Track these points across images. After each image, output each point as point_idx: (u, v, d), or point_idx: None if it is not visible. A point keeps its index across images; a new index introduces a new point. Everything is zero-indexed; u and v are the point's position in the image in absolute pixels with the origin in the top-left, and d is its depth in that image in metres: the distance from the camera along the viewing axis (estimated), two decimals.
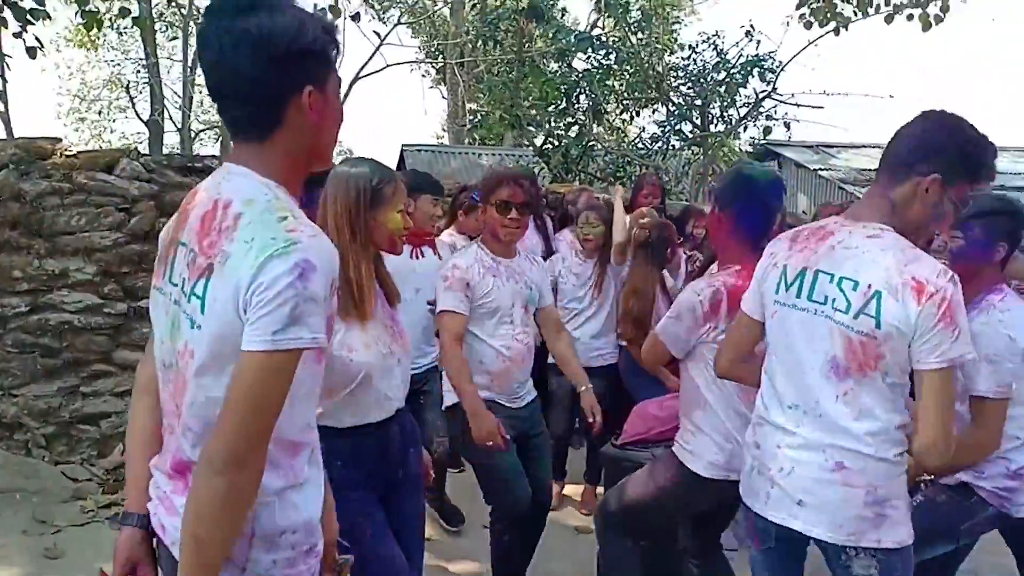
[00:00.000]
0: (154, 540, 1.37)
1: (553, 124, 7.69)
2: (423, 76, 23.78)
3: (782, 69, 7.53)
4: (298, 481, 1.31)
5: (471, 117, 17.83)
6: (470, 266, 2.90)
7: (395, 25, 18.01)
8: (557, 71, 7.69)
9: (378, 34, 12.36)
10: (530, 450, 3.05)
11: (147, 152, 8.59)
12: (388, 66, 16.24)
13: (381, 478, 2.18)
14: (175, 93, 18.95)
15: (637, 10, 7.71)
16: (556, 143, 7.66)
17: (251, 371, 1.16)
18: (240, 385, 1.17)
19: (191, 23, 14.90)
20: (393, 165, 15.94)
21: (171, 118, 17.07)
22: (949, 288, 1.66)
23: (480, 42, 7.90)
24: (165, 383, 1.33)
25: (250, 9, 1.20)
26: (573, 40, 7.31)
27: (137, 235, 4.58)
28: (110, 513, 4.01)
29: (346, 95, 16.37)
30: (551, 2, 7.20)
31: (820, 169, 11.12)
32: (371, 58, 15.92)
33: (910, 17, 8.51)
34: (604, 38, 7.43)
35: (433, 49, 20.85)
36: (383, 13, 21.44)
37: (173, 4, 13.12)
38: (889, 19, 8.57)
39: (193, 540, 1.19)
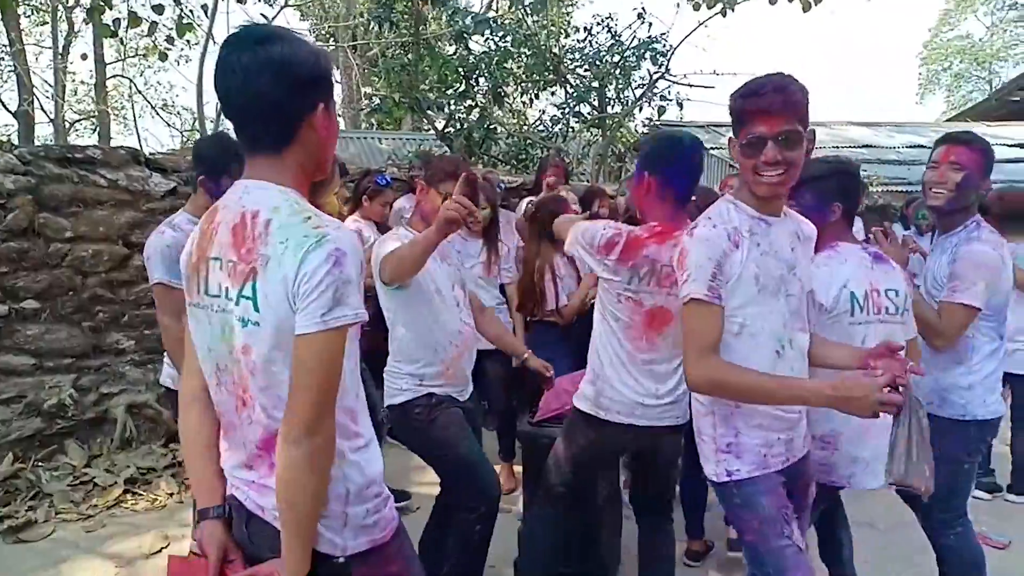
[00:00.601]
0: (244, 526, 1.54)
1: (454, 107, 7.62)
2: None
3: (674, 51, 7.72)
4: (365, 441, 1.54)
5: (367, 101, 17.47)
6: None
7: (282, 7, 17.38)
8: (454, 54, 7.62)
9: (265, 17, 11.92)
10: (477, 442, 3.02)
11: (18, 144, 8.05)
12: None
13: None
14: (45, 82, 17.79)
15: None
16: (459, 126, 7.60)
17: (308, 351, 1.36)
18: (301, 365, 1.37)
19: (60, 6, 13.99)
20: None
21: (42, 108, 16.03)
22: (683, 238, 2.03)
23: (374, 25, 7.72)
24: (221, 385, 1.51)
25: (270, 40, 1.39)
26: (470, 23, 7.26)
27: (15, 231, 4.29)
28: (3, 527, 3.78)
29: None
30: None
31: (712, 148, 11.50)
32: None
33: None
34: (501, 20, 7.41)
35: (323, 32, 20.31)
36: None
37: None
38: (773, 0, 8.91)
39: (288, 506, 1.39)
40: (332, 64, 1.53)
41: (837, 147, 12.40)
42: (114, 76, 20.10)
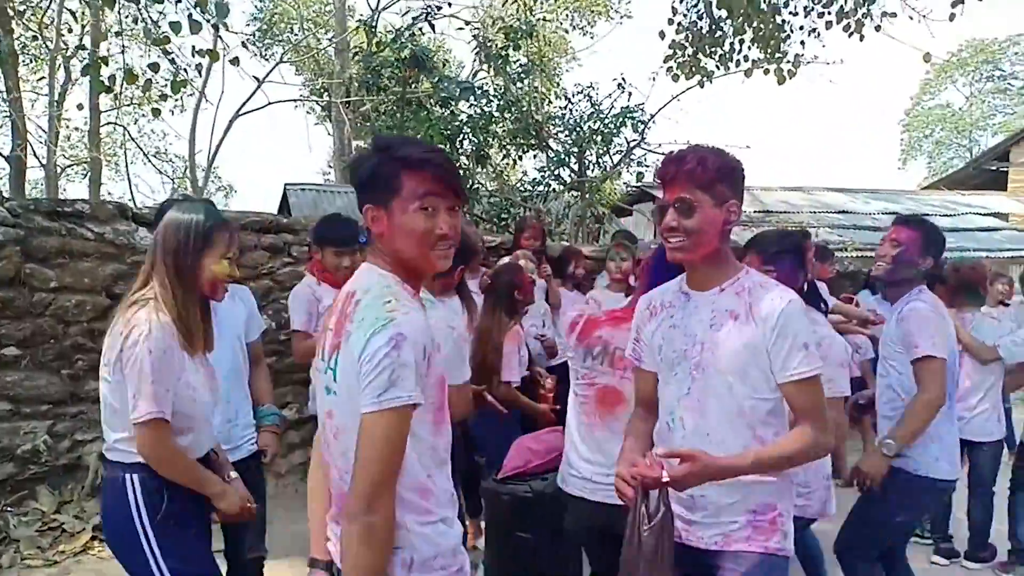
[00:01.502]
0: None
1: None
2: (307, 113, 23.61)
3: (652, 119, 8.02)
4: (437, 518, 1.60)
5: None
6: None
7: (277, 63, 17.93)
8: (440, 116, 7.88)
9: (256, 78, 12.25)
10: None
11: (7, 190, 8.20)
12: (270, 103, 16.06)
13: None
14: (39, 128, 18.07)
15: (516, 62, 8.05)
16: None
17: (366, 430, 1.46)
18: (361, 443, 1.47)
19: (58, 56, 14.29)
20: (276, 203, 15.48)
21: (35, 153, 16.22)
22: None
23: (363, 89, 7.99)
24: (324, 444, 1.69)
25: (356, 163, 1.68)
26: (456, 89, 7.54)
27: (1, 281, 4.40)
28: None
29: (226, 131, 16.08)
30: (433, 51, 7.40)
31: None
32: (252, 95, 15.70)
33: (766, 72, 9.25)
34: (485, 87, 7.69)
35: (317, 87, 20.75)
36: (265, 51, 21.26)
37: (39, 38, 12.56)
38: (748, 73, 9.27)
39: (346, 573, 1.48)
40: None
41: (814, 211, 12.71)
42: (108, 123, 20.42)
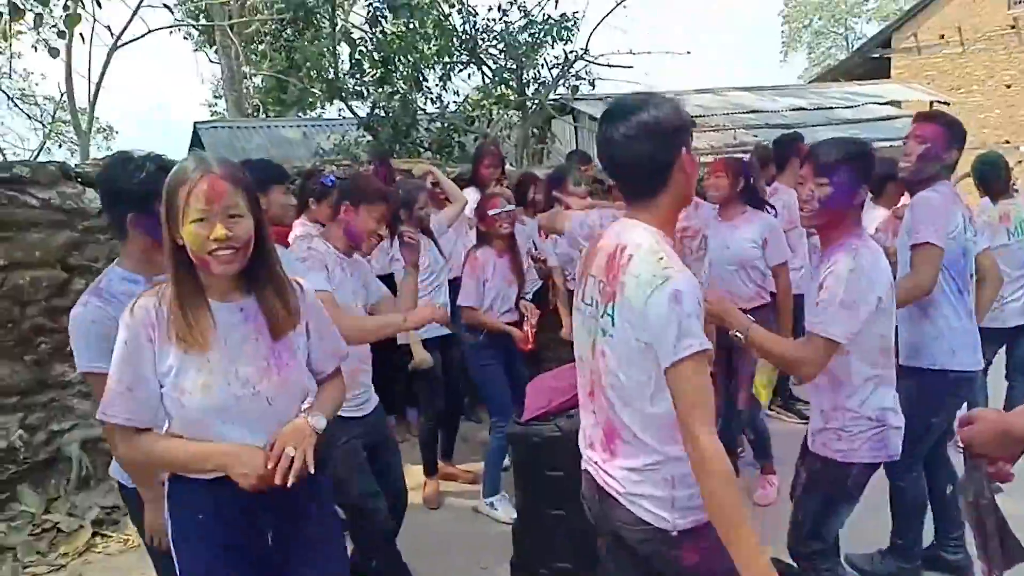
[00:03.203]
0: (596, 498, 1.91)
1: (375, 94, 7.49)
2: (185, 39, 21.94)
3: (593, 30, 7.85)
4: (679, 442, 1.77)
5: (259, 84, 16.76)
6: (327, 251, 2.88)
7: None
8: (368, 38, 7.45)
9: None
10: (382, 457, 3.04)
11: None
12: (151, 31, 14.81)
13: (250, 546, 1.84)
14: None
15: None
16: (383, 114, 7.48)
17: (676, 381, 1.63)
18: (678, 395, 1.63)
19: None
20: (185, 144, 14.53)
21: None
22: None
23: (308, 19, 7.39)
24: (582, 372, 1.92)
25: (640, 108, 1.72)
26: (384, 5, 7.11)
27: None
28: None
29: (105, 65, 14.75)
30: None
31: None
32: (129, 23, 14.41)
33: None
34: (415, 2, 7.29)
35: (192, 8, 19.23)
36: None
37: None
38: None
39: (719, 510, 1.61)
40: (686, 111, 1.85)
41: (727, 113, 12.97)
42: None
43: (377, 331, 2.92)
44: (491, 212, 4.04)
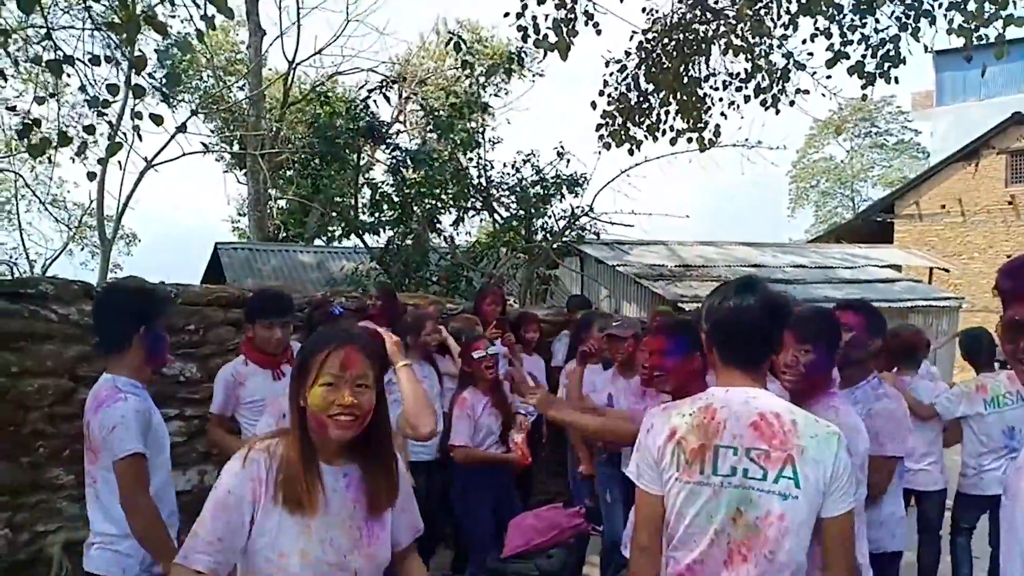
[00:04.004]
0: None
1: (391, 232, 7.95)
2: (216, 161, 23.10)
3: (598, 193, 8.40)
4: None
5: (280, 208, 17.60)
6: None
7: (192, 113, 17.50)
8: (390, 183, 8.00)
9: (166, 129, 11.97)
10: None
11: None
12: (185, 154, 15.69)
13: None
14: None
15: (461, 130, 8.27)
16: (396, 250, 7.90)
17: (839, 528, 1.88)
18: (837, 543, 1.88)
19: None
20: (205, 263, 15.00)
21: None
22: None
23: (317, 159, 8.04)
24: (714, 545, 1.92)
25: (762, 288, 2.03)
26: (404, 156, 7.67)
27: None
28: None
29: (137, 181, 15.55)
30: (385, 122, 7.58)
31: (617, 265, 12.23)
32: (166, 145, 15.30)
33: (689, 140, 9.79)
34: (435, 154, 7.84)
35: (226, 136, 20.40)
36: (173, 99, 20.72)
37: None
38: (673, 141, 9.79)
39: None
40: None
41: (729, 266, 13.39)
42: (0, 170, 19.43)
43: None
44: (475, 355, 4.23)
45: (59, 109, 7.31)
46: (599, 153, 8.19)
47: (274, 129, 18.38)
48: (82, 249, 24.21)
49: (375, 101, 7.88)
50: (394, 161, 7.71)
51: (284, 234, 20.00)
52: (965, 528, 4.76)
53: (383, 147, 7.83)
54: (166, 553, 2.40)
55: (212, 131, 21.31)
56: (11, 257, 22.08)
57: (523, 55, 7.06)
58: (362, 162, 7.69)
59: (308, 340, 1.92)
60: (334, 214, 13.71)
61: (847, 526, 1.90)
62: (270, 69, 20.75)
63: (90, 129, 7.24)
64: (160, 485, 2.59)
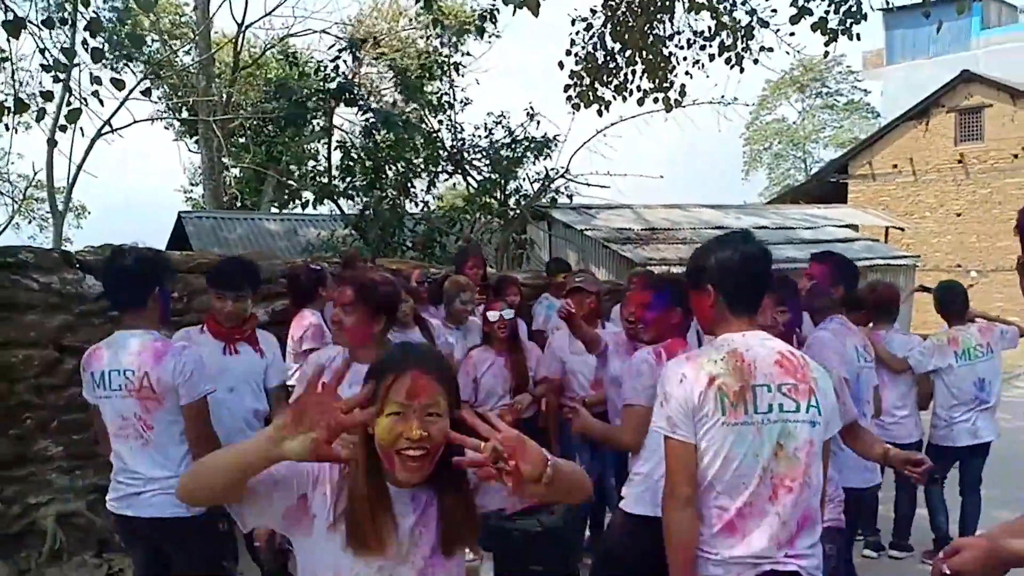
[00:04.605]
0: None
1: (365, 197, 7.87)
2: (165, 128, 22.46)
3: (574, 154, 8.41)
4: None
5: (235, 177, 17.22)
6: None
7: (141, 79, 16.91)
8: (360, 145, 7.90)
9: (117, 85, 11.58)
10: None
11: None
12: (136, 121, 15.24)
13: None
14: None
15: (433, 94, 8.20)
16: (372, 215, 7.83)
17: (827, 448, 2.25)
18: (826, 457, 2.25)
19: None
20: (168, 233, 14.65)
21: None
22: None
23: (291, 120, 7.87)
24: (763, 483, 2.04)
25: (753, 240, 2.27)
26: (379, 119, 7.58)
27: None
28: None
29: (87, 151, 15.06)
30: (357, 84, 7.45)
31: (585, 229, 12.30)
32: (115, 113, 14.82)
33: (656, 100, 9.84)
34: (406, 118, 7.76)
35: (176, 102, 19.83)
36: (117, 63, 19.97)
37: None
38: (640, 102, 9.84)
39: None
40: None
41: (694, 228, 13.57)
42: None
43: None
44: (490, 315, 4.30)
45: (13, 74, 6.93)
46: (572, 115, 8.18)
47: (225, 95, 17.94)
48: (29, 222, 23.48)
49: (345, 62, 7.77)
50: (366, 123, 7.62)
51: (240, 203, 19.63)
52: (937, 479, 4.89)
53: (356, 109, 7.72)
54: None
55: (160, 97, 20.70)
56: None
57: (495, 12, 6.93)
58: (332, 130, 7.56)
59: (375, 363, 1.62)
60: (292, 182, 13.53)
61: (828, 447, 2.25)
62: (217, 32, 20.15)
63: (47, 95, 7.02)
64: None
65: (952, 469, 4.91)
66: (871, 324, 5.00)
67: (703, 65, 9.81)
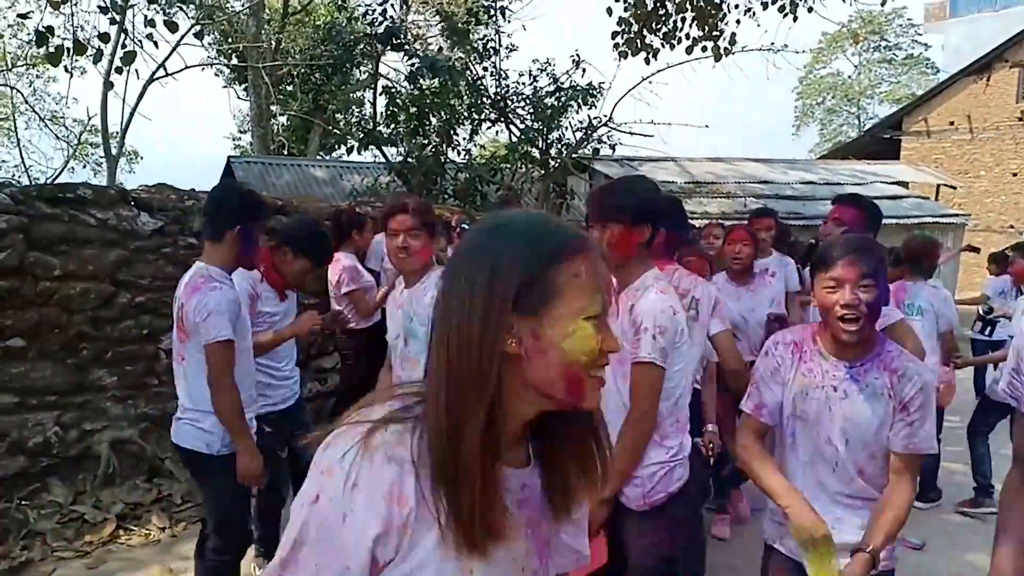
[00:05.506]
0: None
1: (409, 144, 7.92)
2: (216, 75, 22.68)
3: (618, 102, 8.32)
4: None
5: (282, 124, 17.43)
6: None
7: (192, 26, 17.09)
8: (406, 91, 7.92)
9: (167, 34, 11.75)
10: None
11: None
12: (188, 67, 15.46)
13: None
14: None
15: (479, 38, 8.16)
16: (415, 163, 7.90)
17: None
18: None
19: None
20: (216, 175, 14.93)
21: None
22: None
23: (338, 67, 7.94)
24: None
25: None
26: (425, 65, 7.59)
27: (5, 270, 4.28)
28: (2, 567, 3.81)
29: (140, 96, 15.35)
30: (400, 28, 7.45)
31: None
32: (167, 58, 15.05)
33: (704, 48, 9.66)
34: (451, 63, 7.77)
35: (226, 48, 19.99)
36: (170, 7, 20.16)
37: None
38: (689, 50, 9.67)
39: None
40: None
41: (739, 182, 13.39)
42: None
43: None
44: None
45: (72, 17, 7.08)
46: (618, 62, 8.08)
47: (274, 41, 18.02)
48: (84, 167, 24.05)
49: (393, 6, 7.74)
50: (411, 69, 7.62)
51: (287, 151, 19.84)
52: (984, 431, 5.00)
53: (402, 54, 7.72)
54: (239, 430, 2.73)
55: (211, 44, 20.90)
56: (13, 176, 21.94)
57: None
58: (379, 77, 7.59)
59: (524, 244, 0.98)
60: (337, 130, 13.60)
61: None
62: None
63: (104, 37, 7.16)
64: (241, 370, 2.76)
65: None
66: (901, 278, 4.96)
67: (754, 13, 9.60)
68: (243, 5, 18.13)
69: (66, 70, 7.02)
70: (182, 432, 2.80)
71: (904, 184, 15.17)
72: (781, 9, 9.34)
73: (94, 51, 7.17)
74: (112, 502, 4.52)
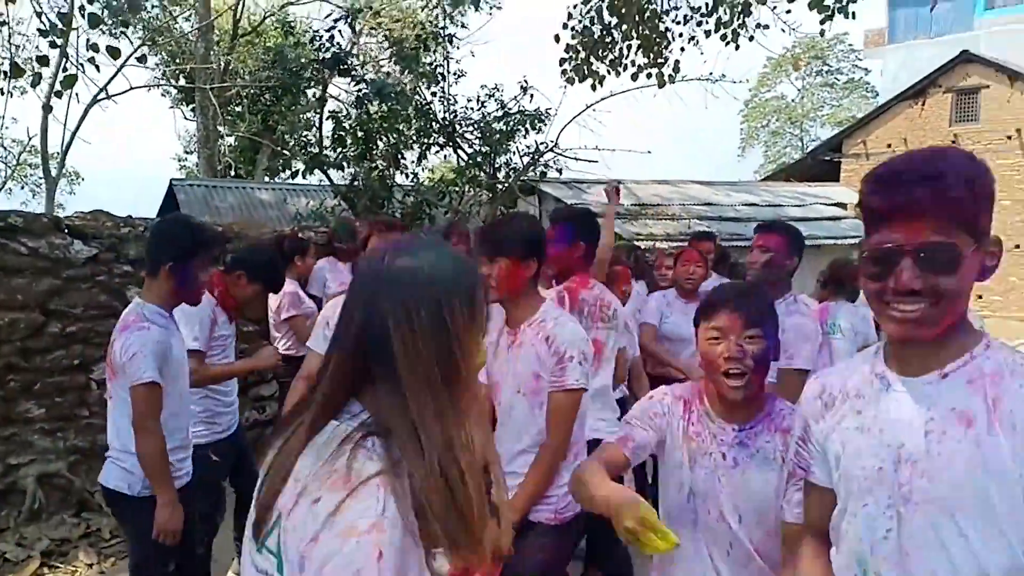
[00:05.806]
0: None
1: (356, 168, 7.91)
2: (162, 96, 22.34)
3: (563, 129, 8.41)
4: None
5: (230, 145, 17.21)
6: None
7: (139, 45, 16.81)
8: (353, 116, 7.91)
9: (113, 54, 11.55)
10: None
11: None
12: (133, 88, 15.18)
13: None
14: None
15: (428, 64, 8.21)
16: (362, 186, 7.88)
17: None
18: None
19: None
20: (159, 201, 14.66)
21: None
22: None
23: (287, 90, 7.91)
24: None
25: None
26: (372, 90, 7.59)
27: None
28: None
29: (82, 117, 15.01)
30: (348, 53, 7.45)
31: (575, 203, 12.32)
32: (112, 79, 14.77)
33: (648, 75, 9.85)
34: (400, 88, 7.79)
35: (173, 69, 19.72)
36: (115, 30, 19.82)
37: None
38: (634, 77, 9.84)
39: None
40: None
41: (683, 204, 13.61)
42: None
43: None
44: None
45: (9, 38, 6.93)
46: (564, 88, 8.20)
47: (223, 63, 17.82)
48: (23, 188, 23.47)
49: (340, 31, 7.75)
50: (358, 94, 7.62)
51: (234, 172, 19.60)
52: None
53: (349, 79, 7.71)
54: (160, 479, 2.60)
55: (158, 64, 20.58)
56: None
57: None
58: (326, 100, 7.58)
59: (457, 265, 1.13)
60: (286, 152, 13.52)
61: None
62: None
63: (44, 60, 7.02)
64: (171, 413, 2.66)
65: None
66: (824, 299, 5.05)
67: (698, 41, 9.84)
68: (192, 27, 17.93)
69: (1, 92, 6.86)
70: (107, 470, 2.72)
71: (843, 205, 15.58)
72: (723, 38, 9.59)
73: (32, 74, 7.02)
74: (37, 538, 4.36)
